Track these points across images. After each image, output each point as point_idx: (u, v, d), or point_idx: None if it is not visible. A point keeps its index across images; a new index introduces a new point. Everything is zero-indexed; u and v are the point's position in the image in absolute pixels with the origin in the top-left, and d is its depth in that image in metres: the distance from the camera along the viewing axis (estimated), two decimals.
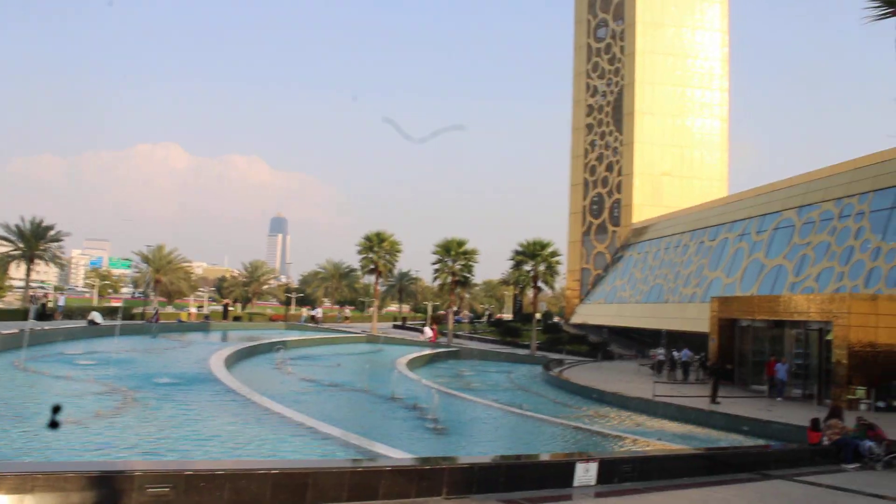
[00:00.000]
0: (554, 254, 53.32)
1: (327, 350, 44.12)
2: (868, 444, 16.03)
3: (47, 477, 7.89)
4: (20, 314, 42.76)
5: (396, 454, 12.71)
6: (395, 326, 77.51)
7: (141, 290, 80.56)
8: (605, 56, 65.85)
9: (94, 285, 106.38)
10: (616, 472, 12.08)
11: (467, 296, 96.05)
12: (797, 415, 22.18)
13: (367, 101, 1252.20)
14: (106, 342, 34.23)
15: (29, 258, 62.60)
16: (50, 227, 63.62)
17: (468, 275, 57.67)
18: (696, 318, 40.26)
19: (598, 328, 60.28)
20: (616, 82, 64.43)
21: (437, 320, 69.49)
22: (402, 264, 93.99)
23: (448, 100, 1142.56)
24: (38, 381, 21.59)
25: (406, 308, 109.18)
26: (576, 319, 64.27)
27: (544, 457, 15.62)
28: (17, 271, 72.74)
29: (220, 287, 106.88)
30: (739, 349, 33.59)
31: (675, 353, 37.63)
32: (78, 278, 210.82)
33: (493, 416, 23.21)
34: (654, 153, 61.75)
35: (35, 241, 62.30)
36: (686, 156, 62.60)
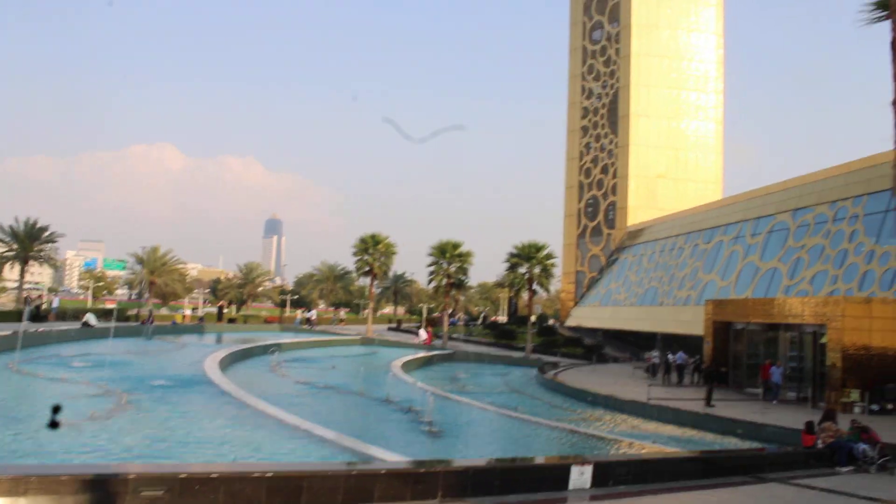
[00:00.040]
0: (549, 256, 53.42)
1: (322, 352, 44.02)
2: (862, 447, 16.06)
3: (41, 480, 7.86)
4: (14, 315, 42.62)
5: (391, 457, 12.69)
6: (390, 329, 77.47)
7: (137, 291, 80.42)
8: (601, 58, 65.99)
9: (88, 287, 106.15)
10: (611, 475, 12.09)
11: (462, 298, 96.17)
12: (791, 418, 22.22)
13: (363, 102, 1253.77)
14: (100, 344, 34.12)
15: (23, 259, 62.46)
16: (44, 229, 63.52)
17: (463, 277, 57.79)
18: (691, 321, 40.34)
19: (592, 331, 60.34)
20: (611, 84, 64.56)
21: (432, 323, 69.47)
22: (398, 266, 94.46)
23: (444, 101, 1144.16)
24: (31, 384, 21.51)
25: (401, 310, 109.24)
26: (571, 322, 64.33)
27: (539, 460, 15.61)
28: (11, 272, 72.49)
29: (215, 289, 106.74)
30: (734, 352, 33.66)
31: (670, 356, 37.65)
32: (72, 280, 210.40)
33: (488, 418, 23.20)
34: (649, 155, 61.90)
35: (29, 242, 62.16)
36: (681, 158, 62.76)
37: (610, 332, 58.31)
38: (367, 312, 69.07)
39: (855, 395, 25.30)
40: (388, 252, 60.17)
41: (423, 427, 19.74)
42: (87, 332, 38.42)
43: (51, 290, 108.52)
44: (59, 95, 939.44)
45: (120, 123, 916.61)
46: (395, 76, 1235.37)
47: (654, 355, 39.68)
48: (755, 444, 20.24)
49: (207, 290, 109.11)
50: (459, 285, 59.71)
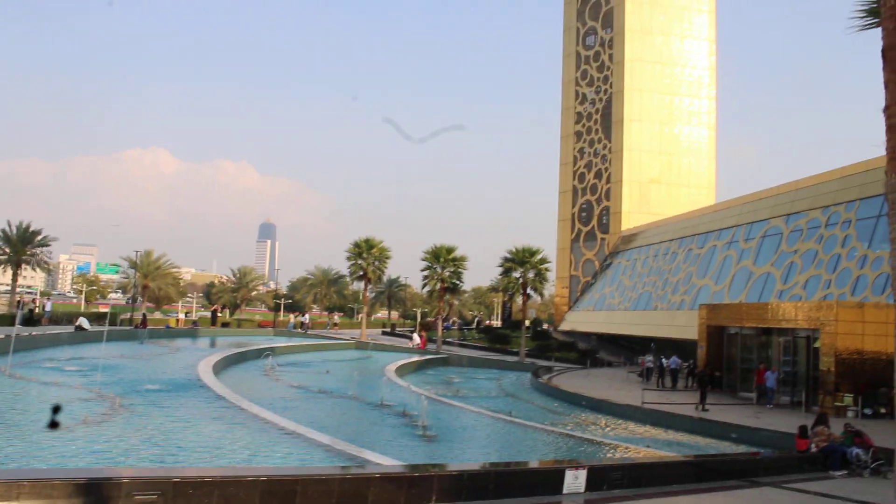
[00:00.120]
0: (543, 261, 53.45)
1: (316, 356, 43.92)
2: (855, 451, 16.12)
3: (33, 484, 7.83)
4: (7, 319, 42.38)
5: (385, 461, 12.67)
6: (384, 333, 77.36)
7: (130, 295, 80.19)
8: (594, 64, 66.20)
9: (81, 290, 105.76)
10: (605, 479, 12.10)
11: (456, 302, 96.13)
12: (785, 422, 22.28)
13: (358, 106, 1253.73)
14: (93, 348, 33.96)
15: (16, 263, 62.15)
16: (37, 232, 63.24)
17: (457, 281, 57.76)
18: (685, 326, 40.42)
19: (586, 335, 60.40)
20: (605, 90, 64.77)
21: (427, 327, 69.43)
22: (392, 271, 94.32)
23: (440, 104, 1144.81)
24: (24, 388, 21.39)
25: (395, 314, 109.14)
26: (565, 326, 64.40)
27: (533, 464, 15.63)
28: (3, 276, 72.19)
29: (209, 293, 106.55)
30: (727, 356, 33.74)
31: (664, 361, 37.68)
32: (65, 283, 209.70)
33: (483, 422, 23.18)
34: (643, 160, 62.11)
35: (22, 245, 61.88)
36: (674, 163, 63.00)
37: (604, 336, 58.39)
38: (361, 317, 68.98)
39: (848, 399, 25.39)
40: (382, 256, 60.08)
41: (417, 431, 19.73)
42: (81, 336, 38.23)
43: (44, 293, 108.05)
44: (52, 99, 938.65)
45: (114, 127, 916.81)
46: (390, 81, 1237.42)
47: (648, 360, 39.67)
48: (749, 448, 20.27)
49: (201, 294, 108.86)
50: (453, 290, 59.67)
